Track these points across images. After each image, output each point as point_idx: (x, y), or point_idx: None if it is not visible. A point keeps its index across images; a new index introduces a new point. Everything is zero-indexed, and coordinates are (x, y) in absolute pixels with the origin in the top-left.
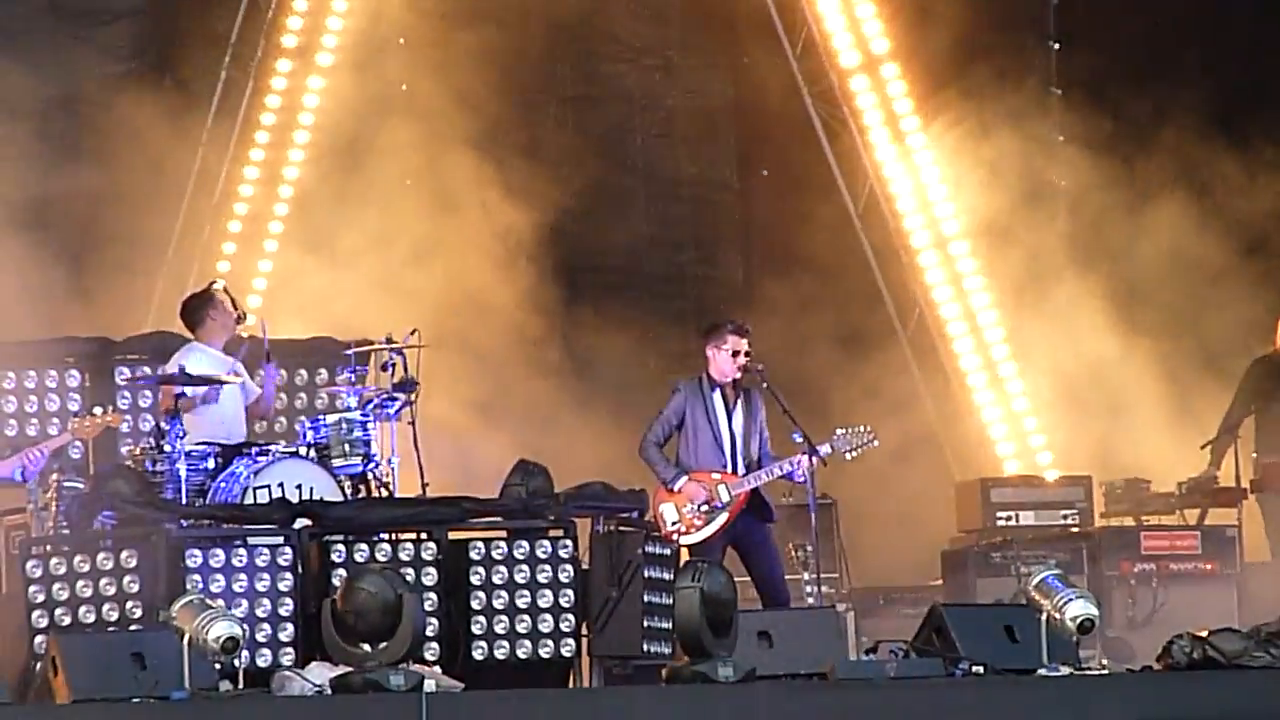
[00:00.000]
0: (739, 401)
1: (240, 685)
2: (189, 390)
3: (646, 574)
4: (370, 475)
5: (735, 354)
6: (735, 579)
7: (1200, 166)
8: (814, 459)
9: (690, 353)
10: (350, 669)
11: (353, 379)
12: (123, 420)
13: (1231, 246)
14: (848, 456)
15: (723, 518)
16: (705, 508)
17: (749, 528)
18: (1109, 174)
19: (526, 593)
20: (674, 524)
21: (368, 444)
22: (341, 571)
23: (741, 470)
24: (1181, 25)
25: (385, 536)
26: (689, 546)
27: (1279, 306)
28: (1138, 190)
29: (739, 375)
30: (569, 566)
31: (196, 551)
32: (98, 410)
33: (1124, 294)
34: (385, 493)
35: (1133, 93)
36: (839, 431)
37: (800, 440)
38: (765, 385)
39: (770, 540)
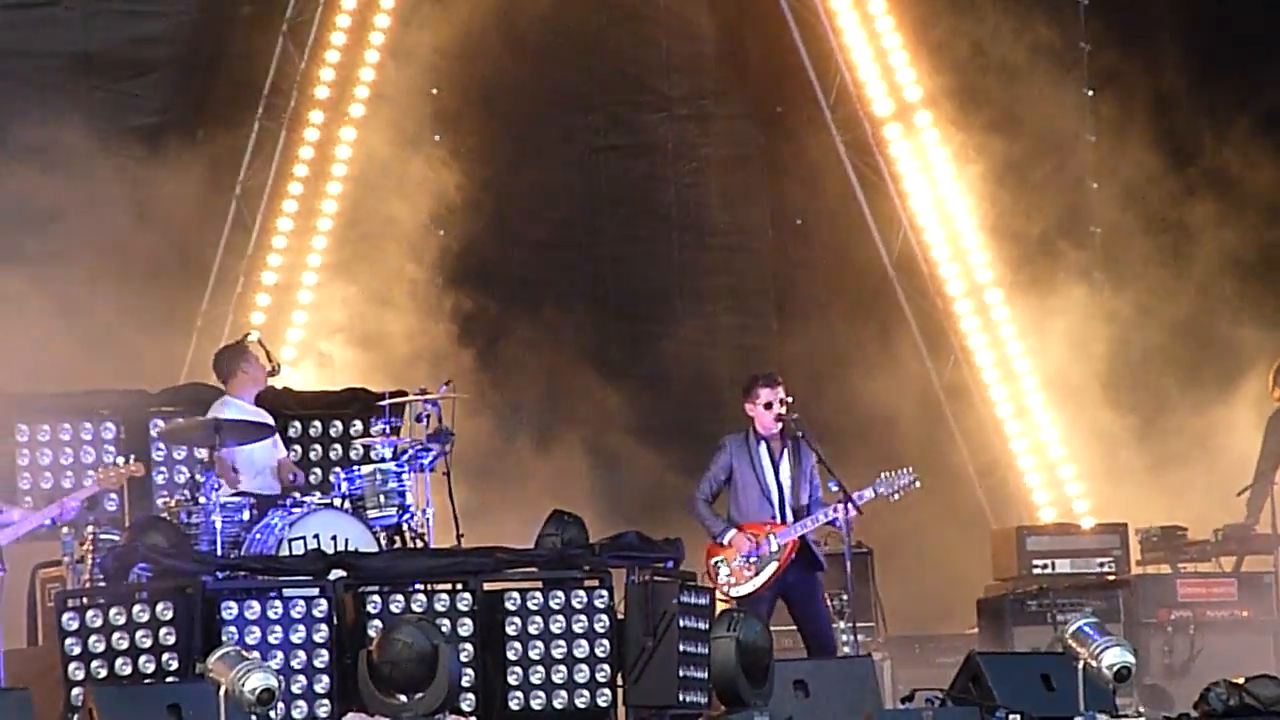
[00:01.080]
0: (785, 452)
1: None
2: (228, 453)
3: (682, 623)
4: (405, 526)
5: (769, 405)
6: (771, 628)
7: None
8: (849, 509)
9: (726, 402)
10: (387, 719)
11: (387, 430)
12: (146, 469)
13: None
14: (891, 499)
15: (772, 567)
16: (755, 558)
17: (799, 578)
18: (1147, 211)
19: (562, 643)
20: (726, 577)
21: (403, 495)
22: (377, 623)
23: (790, 520)
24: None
25: (420, 587)
26: (740, 598)
27: None
28: (1179, 226)
29: (779, 426)
30: (604, 616)
31: (232, 603)
32: (120, 460)
33: (1161, 343)
34: (420, 543)
35: (1170, 138)
36: (882, 475)
37: (836, 489)
38: (801, 435)
39: (820, 591)
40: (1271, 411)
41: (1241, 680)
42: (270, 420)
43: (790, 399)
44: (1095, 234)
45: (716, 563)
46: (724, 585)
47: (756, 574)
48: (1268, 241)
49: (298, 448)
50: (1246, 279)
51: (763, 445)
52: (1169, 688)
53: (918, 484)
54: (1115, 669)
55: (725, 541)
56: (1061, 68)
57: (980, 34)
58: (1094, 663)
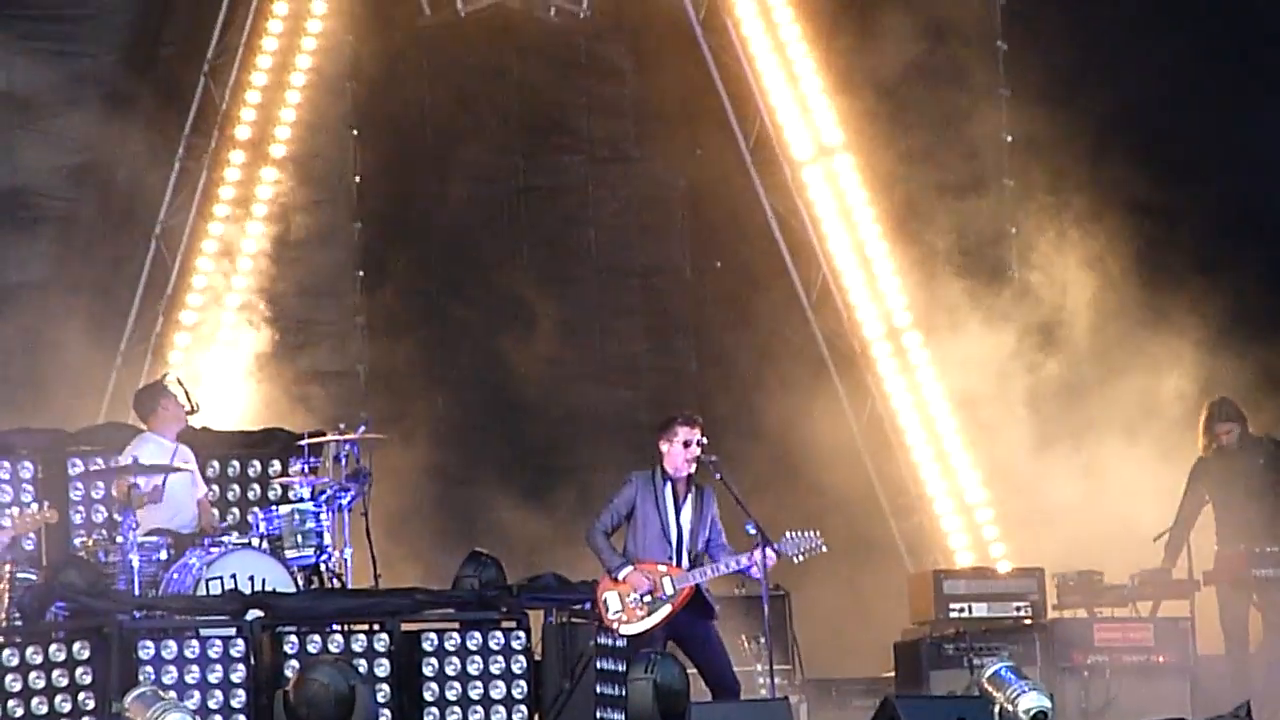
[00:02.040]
0: (689, 496)
1: None
2: (142, 482)
3: (599, 665)
4: (323, 566)
5: (686, 444)
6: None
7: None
8: (769, 553)
9: (644, 444)
10: None
11: (306, 470)
12: (62, 511)
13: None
14: (795, 560)
15: (665, 610)
16: (648, 598)
17: (691, 623)
18: (1065, 265)
19: (479, 684)
20: (616, 613)
21: (320, 535)
22: (294, 663)
23: (685, 564)
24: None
25: (338, 627)
26: (629, 636)
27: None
28: (1096, 285)
29: (693, 467)
30: (522, 658)
31: (149, 643)
32: (34, 506)
33: (1079, 386)
34: (338, 584)
35: (1089, 180)
36: (787, 534)
37: (754, 532)
38: (718, 476)
39: (714, 633)
40: (1198, 459)
41: None
42: (190, 456)
43: (705, 440)
44: (1013, 276)
45: (607, 597)
46: (613, 621)
47: (649, 614)
48: (1190, 278)
49: (216, 487)
50: (1169, 320)
51: (669, 485)
52: None
53: (824, 549)
54: (1031, 713)
55: (620, 577)
56: (981, 109)
57: (899, 72)
58: (1010, 707)
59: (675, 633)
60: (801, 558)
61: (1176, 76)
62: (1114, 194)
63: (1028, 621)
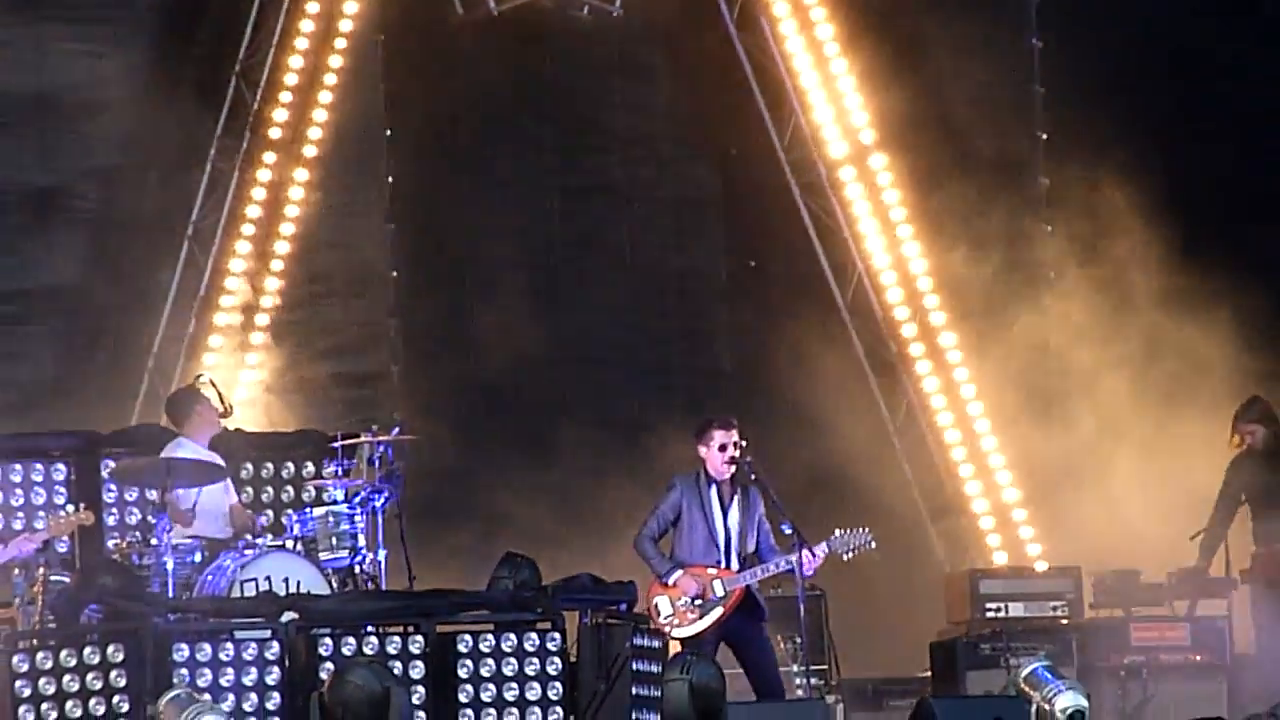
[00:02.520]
0: (735, 498)
1: None
2: (181, 495)
3: (635, 667)
4: (357, 568)
5: (724, 448)
6: (724, 671)
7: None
8: (816, 553)
9: (682, 445)
10: None
11: (339, 472)
12: (96, 513)
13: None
14: (845, 558)
15: (717, 612)
16: (699, 602)
17: (742, 625)
18: (1097, 271)
19: (514, 685)
20: (668, 617)
21: (355, 537)
22: (329, 665)
23: (735, 566)
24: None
25: (372, 629)
26: (682, 640)
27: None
28: (1128, 278)
29: (732, 469)
30: (557, 659)
31: (183, 645)
32: (70, 508)
33: (1116, 383)
34: (372, 585)
35: (1119, 186)
36: (837, 532)
37: (790, 532)
38: (754, 477)
39: (764, 636)
40: (1232, 457)
41: None
42: (222, 463)
43: (744, 443)
44: (1049, 276)
45: (658, 601)
46: (665, 625)
47: (701, 617)
48: (1217, 278)
49: (250, 489)
50: (1199, 316)
51: (714, 488)
52: None
53: (874, 545)
54: (1068, 713)
55: (670, 582)
56: (1013, 109)
57: (933, 76)
58: (1047, 706)
59: (726, 635)
60: (851, 554)
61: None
62: (1153, 193)
63: (1064, 621)
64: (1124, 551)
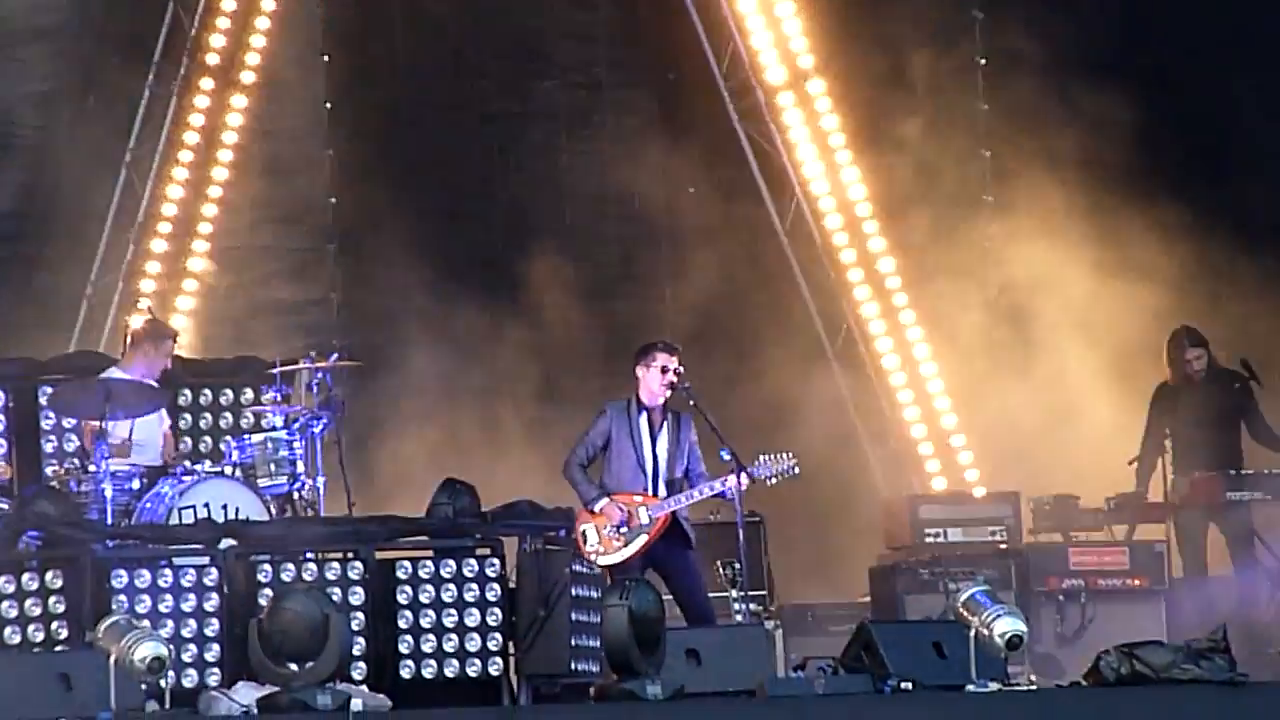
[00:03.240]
0: (665, 424)
1: (167, 706)
2: (110, 428)
3: (574, 592)
4: (296, 495)
5: (664, 370)
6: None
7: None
8: (742, 478)
9: (619, 370)
10: (277, 689)
11: (278, 398)
12: (35, 438)
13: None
14: (769, 483)
15: (642, 540)
16: (625, 529)
17: (669, 552)
18: (1038, 194)
19: (454, 612)
20: (594, 545)
21: (293, 463)
22: (268, 591)
23: (662, 493)
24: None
25: (311, 556)
26: (608, 567)
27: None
28: (1064, 212)
29: (668, 394)
30: (496, 585)
31: (122, 572)
32: None
33: (1054, 311)
34: (311, 512)
35: (1062, 111)
36: (761, 457)
37: (729, 458)
38: (692, 403)
39: (691, 562)
40: (1159, 383)
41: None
42: (159, 389)
43: (682, 369)
44: (988, 202)
45: (584, 530)
46: (591, 553)
47: (625, 545)
48: (1163, 212)
49: (188, 416)
50: (1143, 248)
51: (644, 415)
52: (1060, 656)
53: (797, 471)
54: (1007, 637)
55: (597, 509)
56: (953, 33)
57: (873, 4)
58: (986, 631)
59: (653, 562)
60: (775, 480)
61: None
62: (1092, 118)
63: (1003, 546)
64: (1062, 477)
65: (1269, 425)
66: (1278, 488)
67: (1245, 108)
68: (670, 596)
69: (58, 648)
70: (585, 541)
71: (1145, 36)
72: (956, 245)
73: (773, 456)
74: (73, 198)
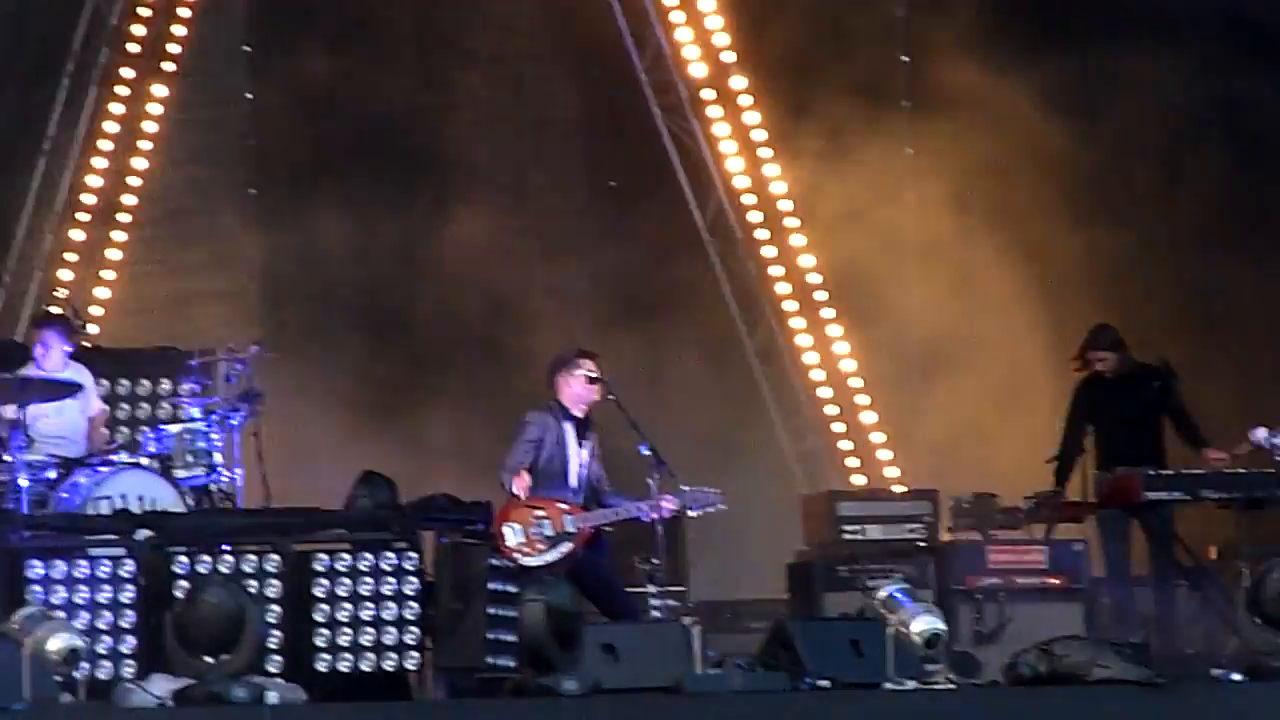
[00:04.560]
0: (585, 435)
1: (81, 697)
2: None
3: (491, 587)
4: (213, 486)
5: (590, 379)
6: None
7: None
8: (668, 503)
9: (539, 366)
10: (192, 681)
11: (197, 389)
12: None
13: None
14: (690, 514)
15: (566, 547)
16: (550, 535)
17: (586, 559)
18: (957, 184)
19: (370, 605)
20: (517, 544)
21: (211, 455)
22: (184, 583)
23: (582, 501)
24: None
25: (228, 548)
26: (526, 569)
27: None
28: (988, 204)
29: (592, 400)
30: (413, 579)
31: (37, 562)
32: None
33: (974, 311)
34: (228, 504)
35: (984, 109)
36: (685, 488)
37: (648, 453)
38: (613, 399)
39: (605, 564)
40: (1078, 381)
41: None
42: (81, 379)
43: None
44: (910, 199)
45: (507, 528)
46: (513, 551)
47: (550, 549)
48: (1086, 212)
49: (106, 406)
50: (1067, 246)
51: (569, 423)
52: (978, 655)
53: (723, 506)
54: (925, 636)
55: (515, 490)
56: (876, 36)
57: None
58: (904, 629)
59: (572, 566)
60: (699, 513)
61: None
62: (1012, 86)
63: (922, 544)
64: (982, 476)
65: (1191, 419)
66: (1197, 488)
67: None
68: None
69: None
70: (507, 539)
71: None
72: (878, 243)
73: (700, 490)
74: None
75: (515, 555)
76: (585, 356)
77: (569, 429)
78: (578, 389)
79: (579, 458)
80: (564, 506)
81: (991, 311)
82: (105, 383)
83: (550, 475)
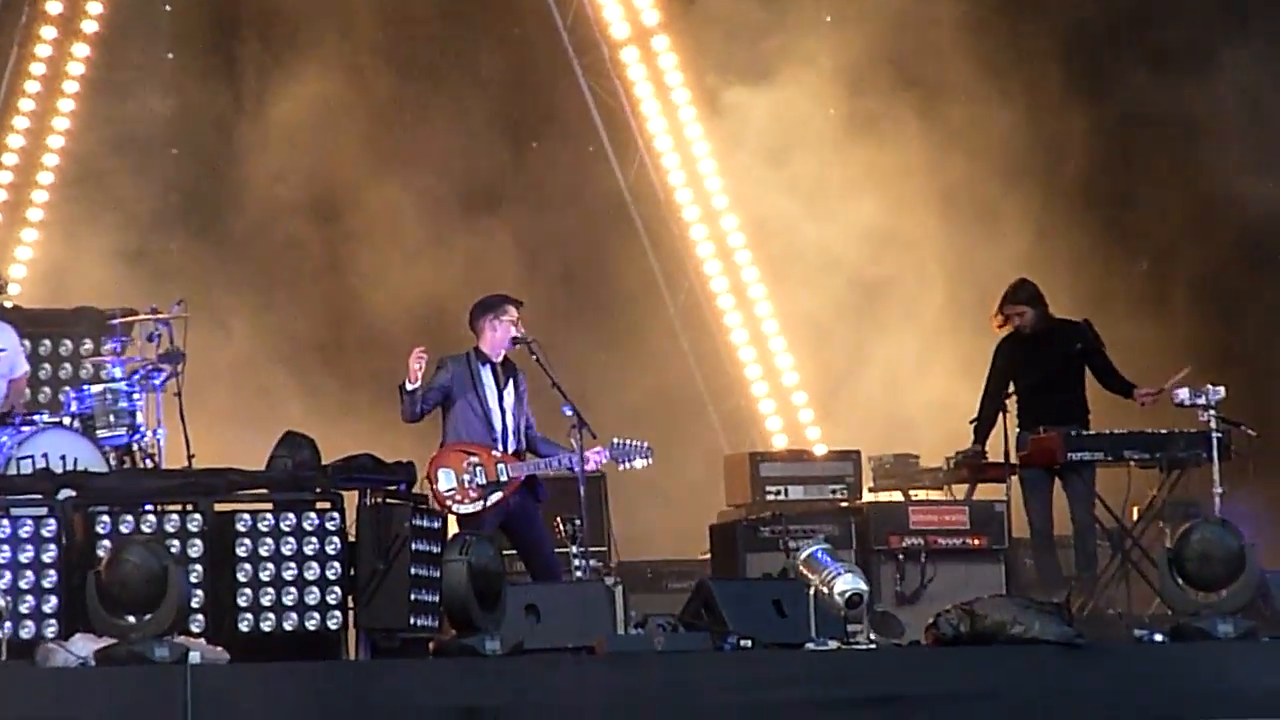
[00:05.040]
0: (509, 380)
1: (3, 657)
2: None
3: (414, 547)
4: (136, 446)
5: (512, 325)
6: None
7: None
8: (601, 454)
9: (459, 325)
10: (115, 641)
11: (118, 349)
12: None
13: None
14: (621, 468)
15: (496, 496)
16: (483, 483)
17: (520, 506)
18: (877, 143)
19: (293, 565)
20: (450, 490)
21: (133, 415)
22: (106, 543)
23: (511, 448)
24: None
25: (151, 508)
26: (460, 517)
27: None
28: (906, 162)
29: (512, 348)
30: (336, 539)
31: None
32: None
33: (899, 268)
34: (151, 464)
35: (898, 68)
36: (615, 440)
37: (570, 414)
38: (535, 357)
39: (539, 518)
40: (999, 340)
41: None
42: (5, 339)
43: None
44: (830, 157)
45: (441, 473)
46: (446, 498)
47: (481, 498)
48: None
49: (28, 368)
50: (993, 200)
51: (488, 368)
52: (900, 615)
53: (651, 460)
54: (847, 596)
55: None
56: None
57: None
58: (825, 589)
59: (505, 516)
60: (628, 465)
61: None
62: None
63: (844, 504)
64: (903, 436)
65: (1116, 370)
66: (1119, 448)
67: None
68: (514, 551)
69: None
70: (440, 485)
71: None
72: (800, 203)
73: (630, 442)
74: None
75: (447, 501)
76: (513, 304)
77: (487, 374)
78: (500, 335)
79: (501, 404)
80: (497, 454)
81: (914, 270)
82: (27, 343)
83: (472, 421)
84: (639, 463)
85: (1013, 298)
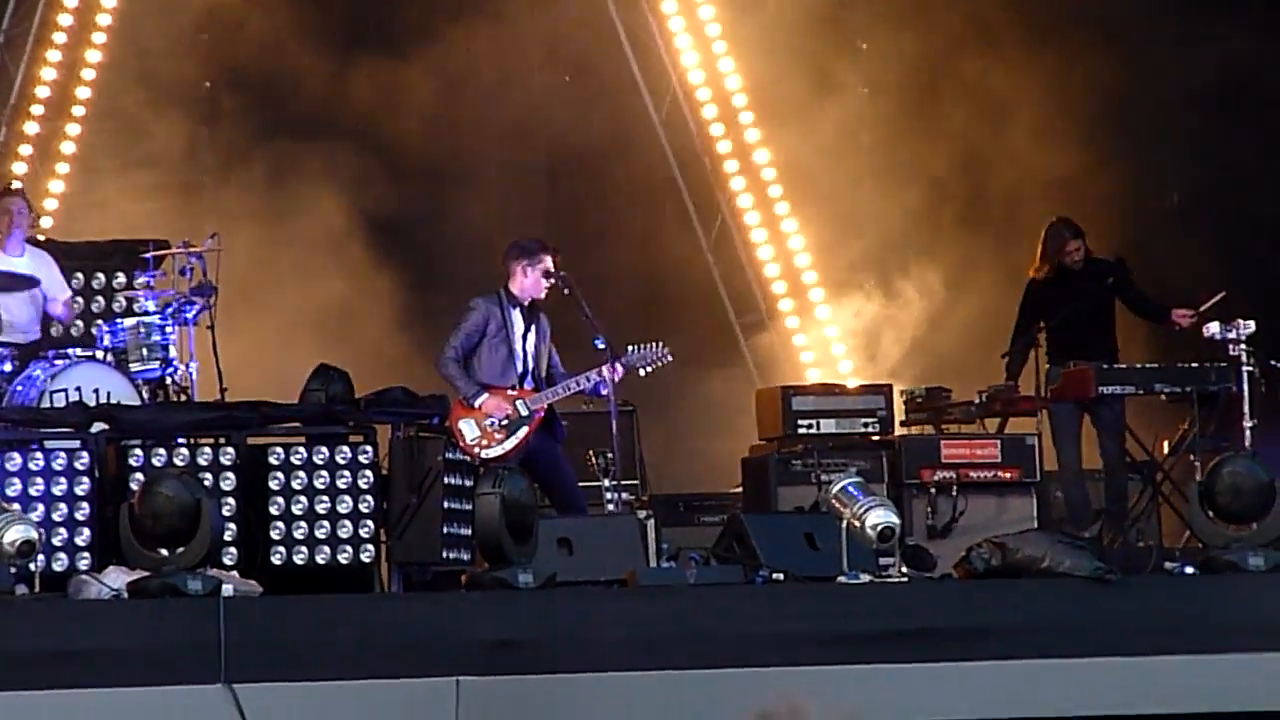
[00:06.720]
0: (534, 322)
1: (37, 589)
2: None
3: (447, 480)
4: (168, 380)
5: (548, 274)
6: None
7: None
8: (616, 367)
9: (492, 264)
10: (147, 573)
11: (151, 283)
12: None
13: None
14: (641, 373)
15: (522, 432)
16: (506, 422)
17: (541, 444)
18: (910, 80)
19: (326, 498)
20: (474, 439)
21: (166, 348)
22: (139, 476)
23: (531, 386)
24: None
25: (183, 441)
26: (487, 461)
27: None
28: (949, 86)
29: (545, 291)
30: (369, 472)
31: None
32: None
33: (930, 205)
34: (184, 397)
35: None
36: (630, 347)
37: (603, 346)
38: (567, 291)
39: (561, 454)
40: (1032, 275)
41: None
42: (43, 264)
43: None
44: (863, 92)
45: (462, 425)
46: (473, 446)
47: (507, 438)
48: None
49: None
50: (1017, 137)
51: (516, 310)
52: (932, 548)
53: (669, 359)
54: (879, 529)
55: (477, 405)
56: None
57: None
58: (857, 523)
59: (528, 455)
60: (648, 370)
61: None
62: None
63: (875, 438)
64: (936, 369)
65: (1148, 296)
66: (1150, 381)
67: None
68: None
69: None
70: (464, 436)
71: None
72: (832, 138)
73: (644, 346)
74: None
75: (474, 449)
76: (547, 252)
77: (516, 316)
78: (532, 281)
79: (526, 345)
80: (514, 393)
81: (946, 204)
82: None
83: (496, 362)
84: (659, 363)
85: (1072, 232)
